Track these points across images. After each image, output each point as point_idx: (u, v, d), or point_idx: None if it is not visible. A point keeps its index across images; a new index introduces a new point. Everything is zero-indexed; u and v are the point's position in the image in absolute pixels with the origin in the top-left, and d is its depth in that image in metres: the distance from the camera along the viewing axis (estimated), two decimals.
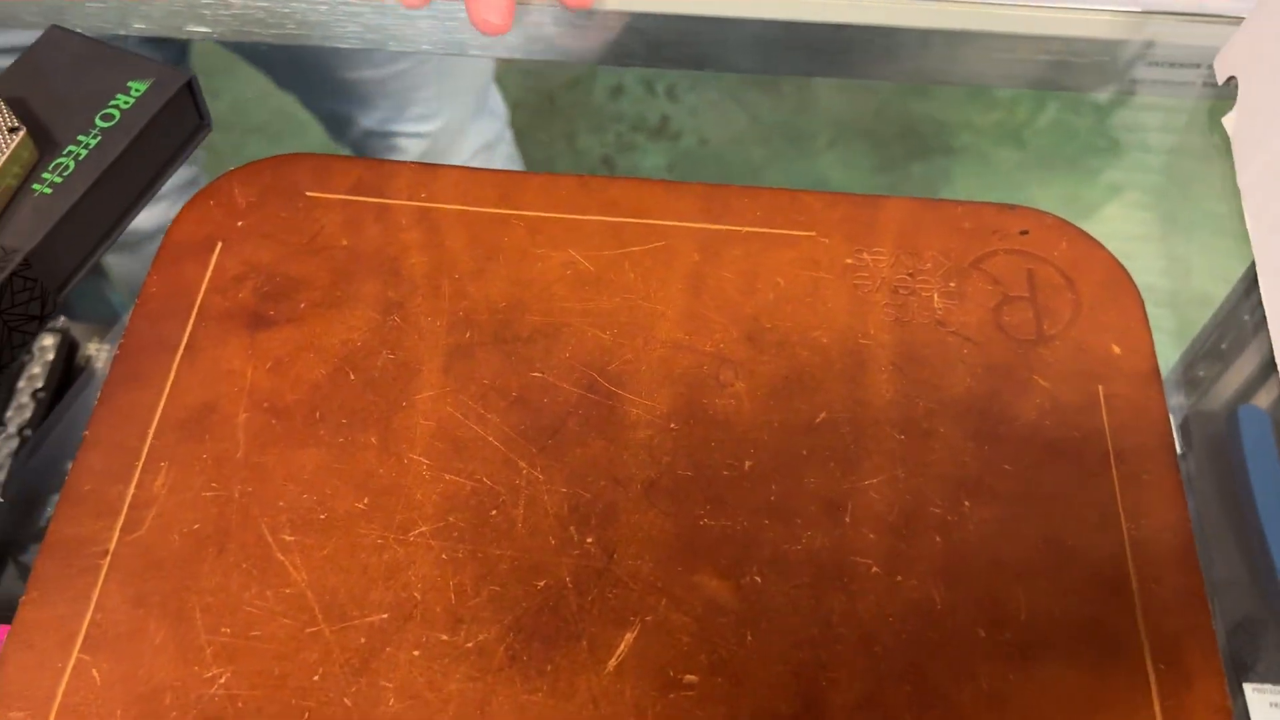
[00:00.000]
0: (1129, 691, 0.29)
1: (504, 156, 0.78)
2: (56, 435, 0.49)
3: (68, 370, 0.52)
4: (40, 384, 0.51)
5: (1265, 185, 0.44)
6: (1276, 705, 0.44)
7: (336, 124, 0.72)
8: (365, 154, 0.73)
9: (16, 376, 0.50)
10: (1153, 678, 0.29)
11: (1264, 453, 0.51)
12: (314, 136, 0.77)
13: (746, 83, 1.30)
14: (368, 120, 0.71)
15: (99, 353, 0.53)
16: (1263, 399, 0.52)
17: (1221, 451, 0.50)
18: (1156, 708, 0.29)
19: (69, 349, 0.53)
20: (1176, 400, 0.52)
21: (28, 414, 0.50)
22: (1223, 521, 0.48)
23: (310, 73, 0.69)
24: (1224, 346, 0.54)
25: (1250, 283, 0.53)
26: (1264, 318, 0.53)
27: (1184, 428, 0.51)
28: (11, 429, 0.49)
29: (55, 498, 0.48)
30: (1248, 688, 0.44)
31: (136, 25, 0.46)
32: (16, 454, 0.48)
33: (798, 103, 1.29)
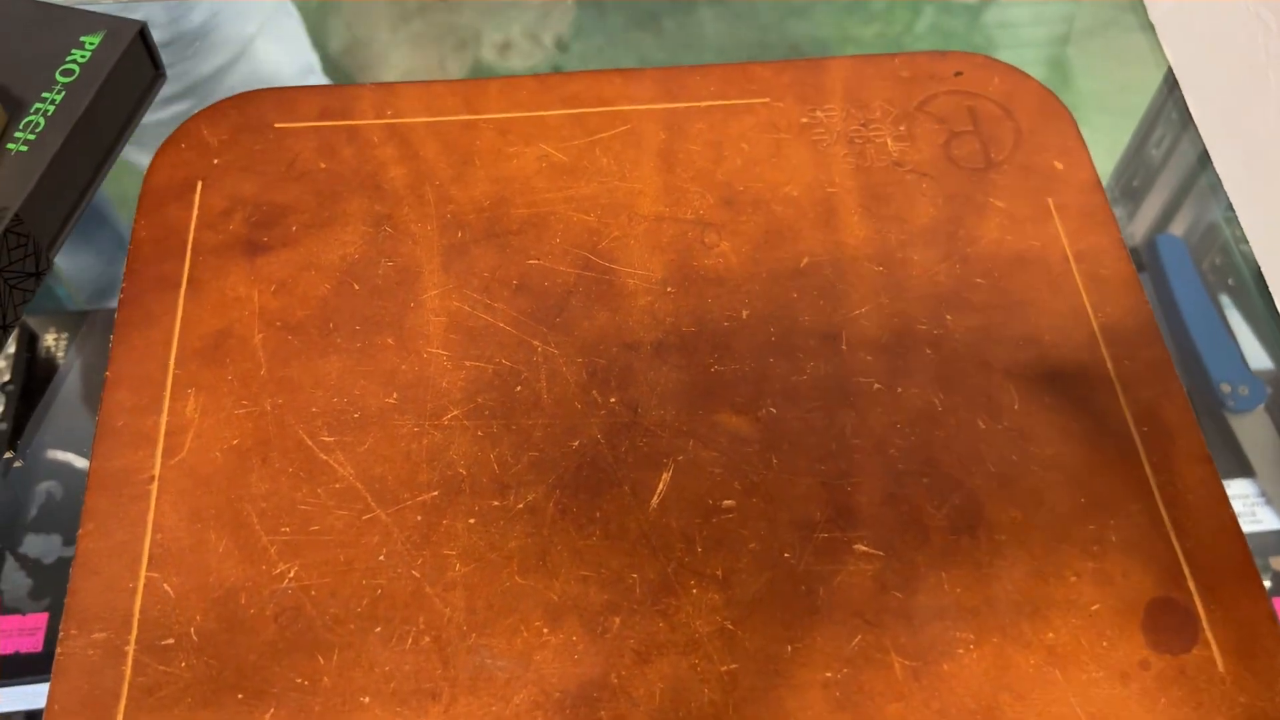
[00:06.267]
0: (1119, 455, 0.32)
1: None
2: (42, 425, 0.49)
3: (31, 362, 0.52)
4: (7, 377, 0.51)
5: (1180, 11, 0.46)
6: (1233, 498, 0.48)
7: None
8: None
9: None
10: (1138, 440, 0.33)
11: (1184, 274, 0.55)
12: None
13: (629, 24, 1.31)
14: None
15: (59, 343, 0.53)
16: (1178, 227, 0.56)
17: (1149, 279, 0.54)
18: (1146, 465, 0.32)
19: (30, 341, 0.53)
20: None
21: None
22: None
23: None
24: (1135, 184, 0.58)
25: (1149, 126, 0.57)
26: (1169, 153, 0.56)
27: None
28: None
29: (46, 485, 0.49)
30: None
31: None
32: None
33: (681, 39, 1.30)
